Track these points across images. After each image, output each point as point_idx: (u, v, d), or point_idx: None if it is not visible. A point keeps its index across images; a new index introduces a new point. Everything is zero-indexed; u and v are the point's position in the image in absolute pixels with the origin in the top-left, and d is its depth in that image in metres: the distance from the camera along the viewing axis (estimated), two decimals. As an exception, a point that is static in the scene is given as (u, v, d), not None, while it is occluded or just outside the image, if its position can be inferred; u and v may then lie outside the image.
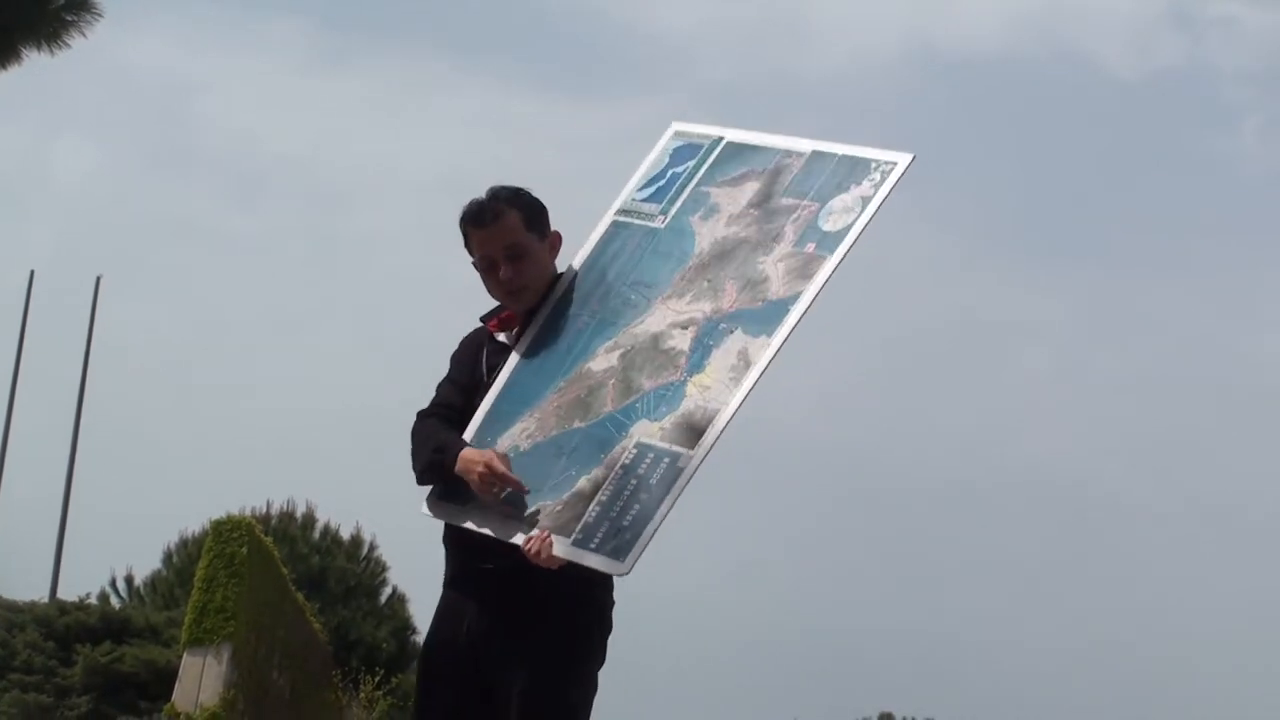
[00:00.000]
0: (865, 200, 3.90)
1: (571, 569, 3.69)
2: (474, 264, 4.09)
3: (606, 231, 4.20)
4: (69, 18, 12.19)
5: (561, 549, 3.67)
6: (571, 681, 3.84)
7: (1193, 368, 45.54)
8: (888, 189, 3.90)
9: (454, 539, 3.97)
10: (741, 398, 3.69)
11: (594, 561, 3.64)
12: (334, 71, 47.11)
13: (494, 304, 4.17)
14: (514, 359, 4.04)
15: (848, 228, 3.87)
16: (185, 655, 10.59)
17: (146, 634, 16.76)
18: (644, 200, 4.22)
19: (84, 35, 12.21)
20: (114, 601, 21.38)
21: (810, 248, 3.88)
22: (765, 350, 3.73)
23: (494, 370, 4.04)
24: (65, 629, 16.77)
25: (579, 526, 3.68)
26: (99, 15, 12.36)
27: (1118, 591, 39.61)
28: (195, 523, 21.80)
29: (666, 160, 4.28)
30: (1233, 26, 47.37)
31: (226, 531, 10.91)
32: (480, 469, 3.80)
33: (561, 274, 4.14)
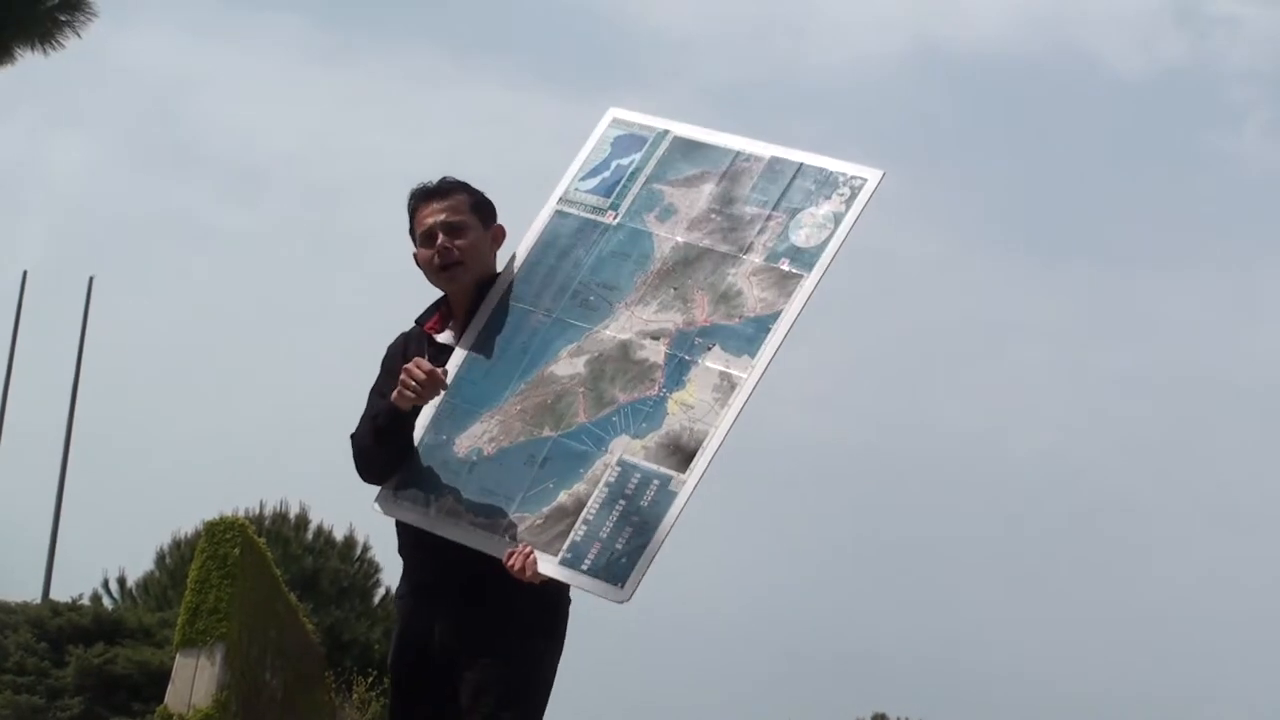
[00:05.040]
0: (837, 218, 3.86)
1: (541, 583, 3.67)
2: (414, 253, 4.04)
3: (551, 222, 4.10)
4: (63, 17, 12.16)
5: (548, 567, 3.64)
6: (533, 673, 3.81)
7: (1194, 366, 45.55)
8: (860, 207, 3.87)
9: (414, 551, 3.92)
10: (731, 421, 3.66)
11: (587, 584, 3.61)
12: (332, 67, 47.10)
13: (425, 306, 4.09)
14: (460, 354, 3.95)
15: (822, 245, 3.83)
16: (178, 656, 10.58)
17: (139, 635, 16.74)
18: (589, 191, 4.12)
19: (78, 35, 12.19)
20: (106, 602, 21.33)
21: (784, 264, 3.84)
22: (751, 372, 3.70)
23: None
24: (58, 630, 16.75)
25: (565, 545, 3.63)
26: (93, 14, 12.34)
27: (1116, 590, 39.63)
28: (188, 524, 21.81)
29: (609, 150, 4.18)
30: (1236, 25, 47.40)
31: (219, 532, 10.89)
32: (403, 377, 3.75)
33: (504, 270, 4.05)
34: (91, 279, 28.67)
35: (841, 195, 3.89)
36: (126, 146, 47.21)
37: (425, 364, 3.79)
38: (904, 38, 48.51)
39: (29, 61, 12.14)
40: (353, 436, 3.95)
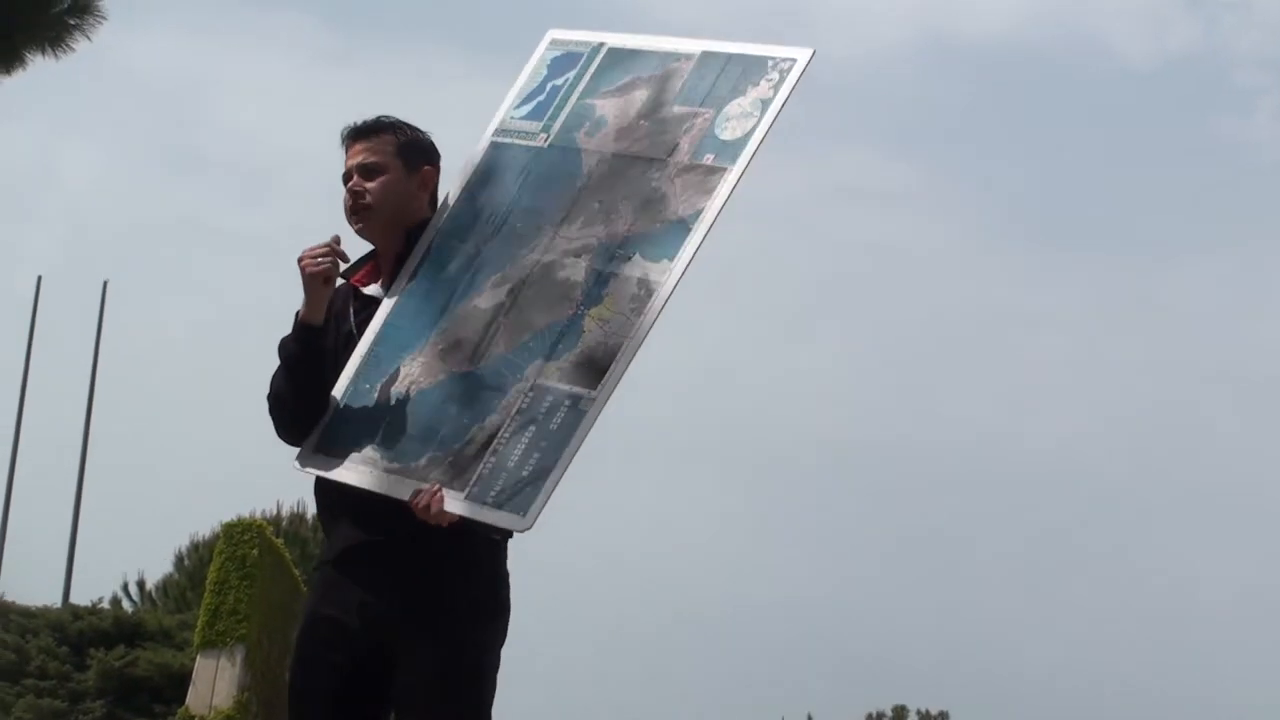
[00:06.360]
0: (765, 103, 3.58)
1: (469, 537, 3.46)
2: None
3: (485, 156, 3.85)
4: (72, 21, 12.17)
5: (455, 504, 3.37)
6: (481, 659, 3.57)
7: (1210, 357, 45.42)
8: (787, 89, 3.59)
9: (336, 513, 3.65)
10: (646, 329, 3.40)
11: (492, 517, 3.35)
12: (341, 66, 47.08)
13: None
14: (389, 302, 3.71)
15: (747, 135, 3.56)
16: (198, 658, 10.62)
17: (159, 637, 16.77)
18: (523, 118, 3.87)
19: (88, 38, 12.19)
20: (126, 606, 21.38)
21: (709, 159, 3.56)
22: (668, 276, 3.43)
23: (365, 326, 3.72)
24: (78, 634, 16.79)
25: (474, 479, 3.37)
26: (102, 18, 12.34)
27: (1133, 582, 39.56)
28: (206, 525, 21.81)
29: (545, 72, 3.93)
30: (1246, 9, 47.17)
31: (237, 534, 10.93)
32: (302, 261, 3.62)
33: (437, 213, 3.82)
34: (106, 283, 28.73)
35: (770, 80, 3.61)
36: (138, 149, 47.31)
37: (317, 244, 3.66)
38: (914, 28, 48.44)
39: (39, 66, 12.16)
40: (267, 396, 3.73)
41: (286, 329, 3.74)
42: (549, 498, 3.30)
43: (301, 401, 3.66)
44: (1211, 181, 45.41)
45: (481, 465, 3.39)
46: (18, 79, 12.21)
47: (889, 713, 30.59)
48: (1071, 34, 45.85)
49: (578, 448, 3.33)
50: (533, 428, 3.38)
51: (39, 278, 29.10)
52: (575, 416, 3.35)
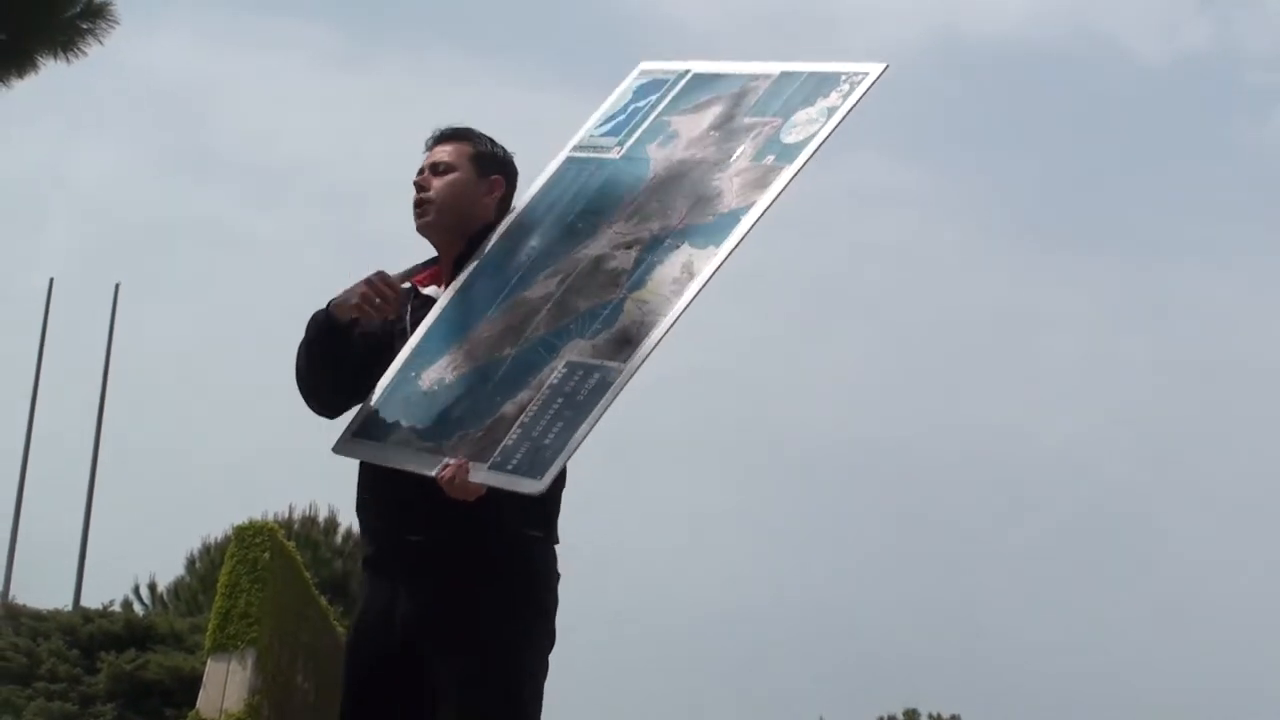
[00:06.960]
0: (831, 110, 3.68)
1: (510, 540, 3.52)
2: None
3: (558, 169, 3.97)
4: (84, 25, 12.18)
5: (479, 475, 3.40)
6: (519, 667, 3.54)
7: (1222, 355, 45.32)
8: (855, 99, 3.67)
9: (370, 509, 3.69)
10: (681, 308, 3.45)
11: (508, 482, 3.38)
12: (353, 70, 47.15)
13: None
14: (444, 298, 3.79)
15: (810, 138, 3.64)
16: (209, 661, 10.62)
17: (170, 641, 16.79)
18: (601, 135, 3.99)
19: (100, 42, 12.20)
20: (137, 609, 21.43)
21: (769, 160, 3.65)
22: (710, 260, 3.49)
23: (418, 324, 3.78)
24: (89, 637, 16.82)
25: (498, 450, 3.42)
26: (115, 22, 12.35)
27: (1148, 585, 39.50)
28: (218, 528, 21.85)
29: (629, 98, 4.06)
30: (1260, 8, 47.01)
31: (249, 537, 10.92)
32: (361, 286, 3.64)
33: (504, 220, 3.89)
34: (118, 286, 28.78)
35: (840, 91, 3.71)
36: (150, 153, 47.38)
37: (392, 282, 3.70)
38: (925, 27, 48.39)
39: (51, 70, 12.17)
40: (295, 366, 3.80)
41: (297, 333, 3.77)
42: (564, 462, 3.36)
43: (316, 375, 3.75)
44: (1221, 182, 45.33)
45: (507, 437, 3.44)
46: (29, 82, 12.22)
47: (900, 715, 30.55)
48: (1081, 34, 45.80)
49: (600, 416, 3.38)
50: (560, 400, 3.43)
51: (50, 280, 29.16)
52: (601, 388, 3.40)
